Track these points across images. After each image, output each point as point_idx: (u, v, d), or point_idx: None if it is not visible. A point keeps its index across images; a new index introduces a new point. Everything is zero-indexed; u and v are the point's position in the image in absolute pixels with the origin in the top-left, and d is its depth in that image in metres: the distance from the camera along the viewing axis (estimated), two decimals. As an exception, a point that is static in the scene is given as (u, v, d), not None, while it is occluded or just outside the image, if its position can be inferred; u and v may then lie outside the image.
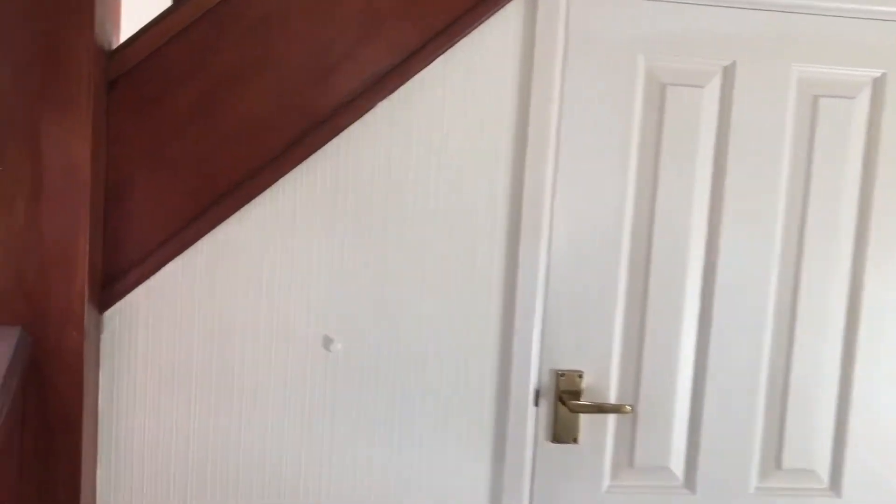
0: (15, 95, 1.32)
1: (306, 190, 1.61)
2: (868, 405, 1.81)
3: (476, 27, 1.61)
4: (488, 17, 1.61)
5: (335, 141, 1.59)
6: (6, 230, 1.34)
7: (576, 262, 1.70)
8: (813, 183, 1.75)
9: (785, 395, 1.79)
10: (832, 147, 1.75)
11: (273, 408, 1.65)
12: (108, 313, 1.57)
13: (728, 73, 1.71)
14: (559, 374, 1.72)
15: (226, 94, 1.55)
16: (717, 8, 1.68)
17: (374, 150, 1.62)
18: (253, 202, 1.59)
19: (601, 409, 1.72)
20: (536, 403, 1.72)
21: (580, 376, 1.72)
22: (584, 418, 1.73)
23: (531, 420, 1.72)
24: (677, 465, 1.79)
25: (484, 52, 1.63)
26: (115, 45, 1.54)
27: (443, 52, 1.60)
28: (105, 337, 1.58)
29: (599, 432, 1.75)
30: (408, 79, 1.59)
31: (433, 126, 1.63)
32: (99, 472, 1.61)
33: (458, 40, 1.60)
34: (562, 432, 1.73)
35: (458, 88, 1.63)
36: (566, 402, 1.70)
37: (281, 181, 1.59)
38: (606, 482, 1.77)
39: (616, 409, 1.72)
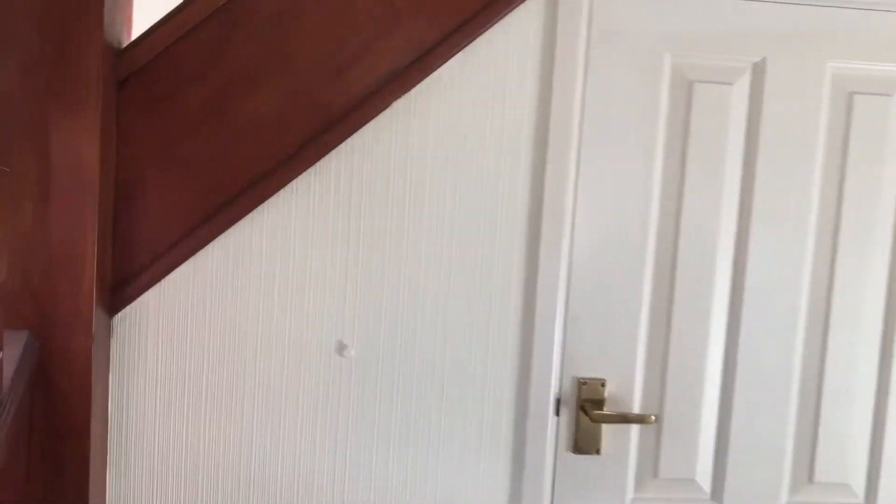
0: (22, 95, 1.32)
1: (320, 191, 1.59)
2: (906, 416, 1.76)
3: (496, 23, 1.58)
4: (508, 13, 1.58)
5: (350, 140, 1.58)
6: (13, 231, 1.34)
7: (599, 266, 1.68)
8: (847, 183, 1.71)
9: (818, 404, 1.76)
10: (868, 145, 1.71)
11: (286, 414, 1.64)
12: (118, 317, 1.57)
13: (758, 70, 1.68)
14: (581, 383, 1.69)
15: (238, 92, 1.53)
16: (746, 2, 1.65)
17: (390, 150, 1.60)
18: (266, 203, 1.57)
19: (625, 418, 1.69)
20: (557, 412, 1.70)
21: (603, 385, 1.69)
22: (606, 428, 1.71)
23: (552, 430, 1.69)
24: (704, 477, 1.75)
25: (504, 48, 1.60)
26: (125, 44, 1.53)
27: (461, 49, 1.58)
28: (115, 341, 1.58)
29: (623, 443, 1.72)
30: (425, 77, 1.57)
31: (451, 126, 1.61)
32: (109, 478, 1.60)
33: (477, 37, 1.58)
34: (583, 442, 1.70)
35: (477, 86, 1.61)
36: (588, 412, 1.68)
37: (294, 182, 1.57)
38: (630, 494, 1.74)
39: (640, 420, 1.69)
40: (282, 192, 1.57)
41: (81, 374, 1.39)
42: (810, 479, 1.77)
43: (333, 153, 1.57)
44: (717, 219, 1.69)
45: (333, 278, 1.62)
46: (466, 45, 1.58)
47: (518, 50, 1.60)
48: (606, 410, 1.68)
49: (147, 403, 1.60)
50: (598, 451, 1.70)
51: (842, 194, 1.71)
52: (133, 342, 1.58)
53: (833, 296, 1.73)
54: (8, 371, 1.28)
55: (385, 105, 1.56)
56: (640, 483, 1.74)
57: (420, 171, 1.61)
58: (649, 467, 1.73)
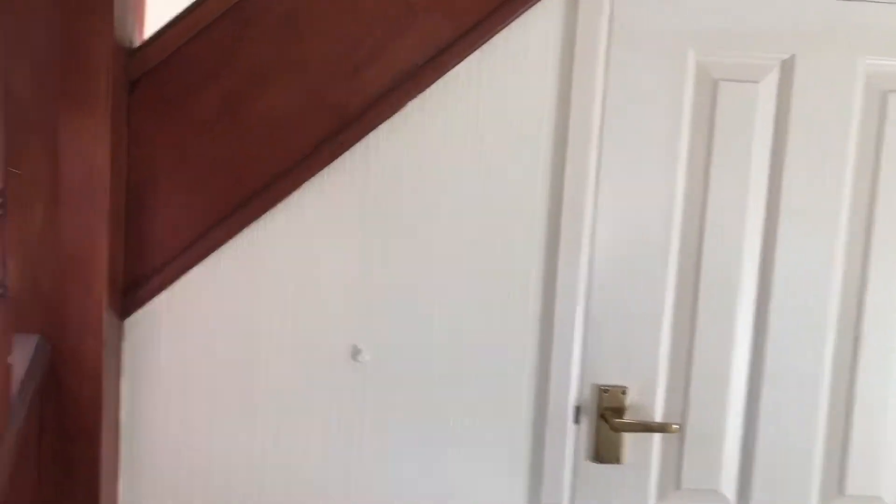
0: (32, 96, 1.32)
1: (335, 192, 1.59)
2: (942, 426, 1.73)
3: (514, 20, 1.57)
4: (527, 10, 1.56)
5: (364, 141, 1.57)
6: (24, 235, 1.34)
7: (620, 270, 1.66)
8: (881, 183, 1.68)
9: (849, 413, 1.72)
10: (903, 145, 1.67)
11: (299, 419, 1.63)
12: (129, 321, 1.57)
13: (786, 68, 1.64)
14: (602, 390, 1.67)
15: (251, 92, 1.53)
16: (774, -3, 1.62)
17: (405, 151, 1.59)
18: (279, 205, 1.57)
19: (647, 427, 1.67)
20: (577, 421, 1.68)
21: (624, 392, 1.67)
22: (627, 437, 1.68)
23: (571, 438, 1.68)
24: (728, 487, 1.73)
25: (522, 46, 1.58)
26: (138, 44, 1.53)
27: (478, 47, 1.56)
28: (126, 345, 1.58)
29: (644, 452, 1.70)
30: (441, 75, 1.56)
31: (468, 126, 1.59)
32: (120, 485, 1.61)
33: (495, 34, 1.56)
34: (604, 452, 1.68)
35: (495, 85, 1.59)
36: (609, 420, 1.66)
37: (308, 183, 1.57)
38: (652, 505, 1.73)
39: (663, 428, 1.67)
40: (295, 194, 1.57)
41: (92, 379, 1.40)
42: (841, 491, 1.74)
43: (348, 154, 1.56)
44: (743, 221, 1.66)
45: (348, 281, 1.61)
46: (483, 43, 1.56)
47: (537, 48, 1.59)
48: (627, 419, 1.66)
49: (159, 408, 1.60)
50: (618, 461, 1.68)
51: (874, 195, 1.68)
52: (145, 346, 1.58)
53: (865, 299, 1.70)
54: (17, 375, 1.29)
55: (400, 104, 1.55)
56: (662, 494, 1.71)
57: (436, 172, 1.60)
58: (672, 478, 1.71)
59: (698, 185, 1.65)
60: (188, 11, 1.49)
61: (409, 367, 1.64)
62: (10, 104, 1.31)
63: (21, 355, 1.32)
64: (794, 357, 1.69)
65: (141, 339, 1.58)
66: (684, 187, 1.65)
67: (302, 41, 1.53)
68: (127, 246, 1.52)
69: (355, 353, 1.62)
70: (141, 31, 1.64)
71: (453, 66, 1.56)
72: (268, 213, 1.56)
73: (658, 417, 1.69)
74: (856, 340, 1.70)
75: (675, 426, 1.66)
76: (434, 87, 1.56)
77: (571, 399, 1.67)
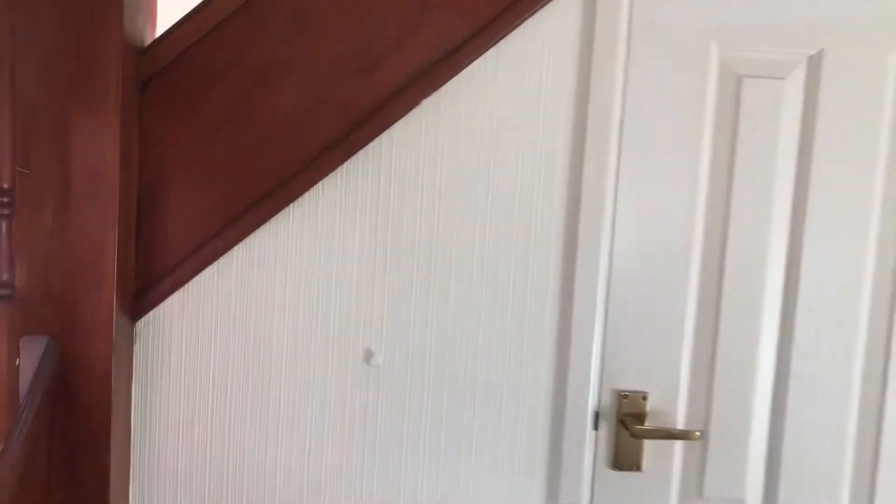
0: (42, 95, 1.32)
1: (347, 193, 1.58)
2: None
3: (530, 16, 1.55)
4: (544, 5, 1.55)
5: (377, 141, 1.56)
6: (33, 236, 1.34)
7: (640, 271, 1.64)
8: (914, 185, 1.65)
9: (879, 423, 1.70)
10: (937, 144, 1.64)
11: (312, 424, 1.63)
12: (140, 323, 1.57)
13: (814, 63, 1.62)
14: (622, 396, 1.66)
15: (263, 92, 1.52)
16: (801, -10, 1.59)
17: (419, 151, 1.58)
18: (291, 206, 1.56)
19: (668, 434, 1.66)
20: (596, 427, 1.67)
21: (644, 398, 1.66)
22: (648, 444, 1.67)
23: (589, 445, 1.66)
24: (753, 497, 1.71)
25: (539, 42, 1.57)
26: (149, 42, 1.53)
27: (494, 44, 1.55)
28: (138, 347, 1.58)
29: (665, 459, 1.68)
30: (455, 73, 1.54)
31: (484, 125, 1.58)
32: (131, 490, 1.61)
33: (511, 31, 1.55)
34: (624, 459, 1.67)
35: (511, 83, 1.57)
36: (629, 426, 1.64)
37: (320, 184, 1.56)
38: (673, 514, 1.71)
39: (684, 436, 1.66)
40: (308, 195, 1.56)
41: (101, 382, 1.40)
42: (871, 501, 1.71)
43: (360, 154, 1.56)
44: (768, 222, 1.64)
45: (361, 283, 1.60)
46: (499, 40, 1.55)
47: (554, 44, 1.57)
48: (648, 425, 1.65)
49: (171, 411, 1.60)
50: (638, 468, 1.67)
51: (908, 197, 1.65)
52: (156, 348, 1.58)
53: (897, 305, 1.66)
54: (26, 377, 1.29)
55: (414, 103, 1.54)
56: (683, 502, 1.70)
57: (451, 172, 1.59)
58: (694, 486, 1.69)
59: (721, 186, 1.63)
60: (198, 9, 1.49)
61: (422, 372, 1.63)
62: (19, 103, 1.32)
63: (29, 357, 1.32)
64: (821, 362, 1.67)
65: (153, 342, 1.58)
66: (707, 188, 1.63)
67: (313, 39, 1.52)
68: (138, 247, 1.52)
69: (368, 356, 1.61)
70: (153, 30, 1.65)
71: (468, 64, 1.54)
72: (280, 213, 1.56)
73: (680, 424, 1.67)
74: (887, 346, 1.68)
75: (697, 433, 1.64)
76: (448, 85, 1.55)
77: (590, 404, 1.65)
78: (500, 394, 1.64)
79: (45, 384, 1.30)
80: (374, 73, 1.53)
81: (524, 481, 1.66)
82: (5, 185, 1.29)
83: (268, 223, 1.56)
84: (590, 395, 1.64)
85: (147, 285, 1.54)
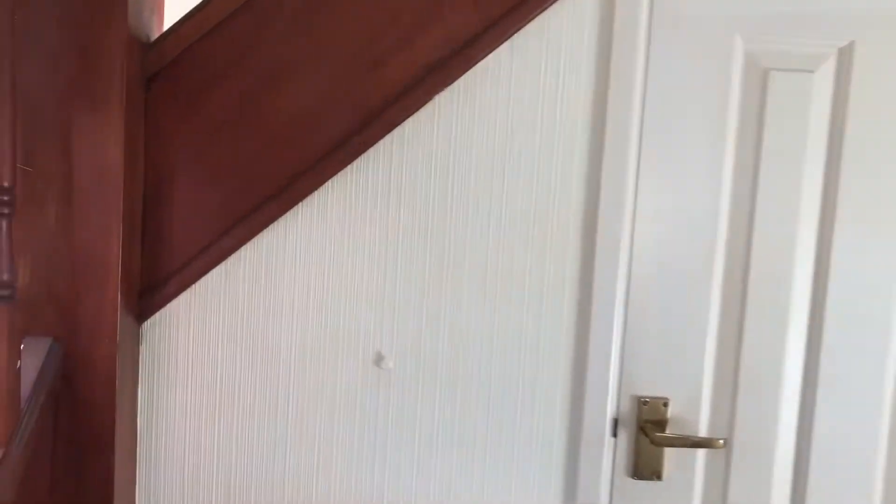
0: (45, 92, 1.32)
1: (357, 192, 1.57)
2: None
3: (547, 8, 1.53)
4: (561, -3, 1.53)
5: (388, 138, 1.55)
6: (36, 235, 1.34)
7: (661, 272, 1.61)
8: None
9: (914, 432, 1.66)
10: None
11: (321, 427, 1.62)
12: (146, 324, 1.56)
13: (844, 56, 1.58)
14: (641, 402, 1.63)
15: (271, 88, 1.51)
16: (831, -21, 1.56)
17: (431, 149, 1.56)
18: (300, 205, 1.56)
19: (690, 442, 1.63)
20: (615, 434, 1.64)
21: (665, 404, 1.63)
22: (669, 452, 1.64)
23: (608, 452, 1.64)
24: (780, 508, 1.67)
25: (556, 35, 1.55)
26: (155, 37, 1.53)
27: (508, 38, 1.53)
28: (144, 348, 1.57)
29: (687, 468, 1.65)
30: (469, 68, 1.53)
31: (498, 121, 1.56)
32: (138, 493, 1.60)
33: (527, 23, 1.53)
34: (643, 467, 1.64)
35: (527, 78, 1.55)
36: (649, 434, 1.61)
37: (330, 182, 1.55)
38: (695, 525, 1.68)
39: (707, 444, 1.63)
40: (317, 193, 1.55)
41: (105, 383, 1.39)
42: (904, 512, 1.67)
43: (371, 151, 1.55)
44: (796, 222, 1.61)
45: (371, 284, 1.59)
46: (515, 33, 1.53)
47: (571, 37, 1.55)
48: (669, 432, 1.62)
49: (177, 414, 1.60)
50: (659, 477, 1.64)
51: (945, 194, 1.61)
52: (163, 350, 1.58)
53: (933, 306, 1.62)
54: (28, 379, 1.29)
55: (426, 99, 1.53)
56: (706, 513, 1.67)
57: (464, 171, 1.57)
58: (717, 497, 1.66)
59: (746, 184, 1.60)
60: (205, 3, 1.48)
61: (434, 376, 1.61)
62: (21, 100, 1.32)
63: (32, 359, 1.32)
64: (851, 367, 1.63)
65: (159, 344, 1.58)
66: (731, 186, 1.60)
67: (321, 35, 1.50)
68: (144, 247, 1.52)
69: (379, 359, 1.60)
70: (160, 25, 1.64)
71: (482, 58, 1.53)
72: (289, 213, 1.55)
73: (702, 431, 1.64)
74: (922, 350, 1.63)
75: (721, 441, 1.61)
76: (461, 80, 1.53)
77: (609, 411, 1.63)
78: (514, 399, 1.62)
79: (48, 386, 1.30)
80: (384, 69, 1.51)
81: (540, 490, 1.64)
82: (5, 184, 1.30)
83: (276, 223, 1.56)
84: (608, 400, 1.62)
85: (153, 286, 1.54)
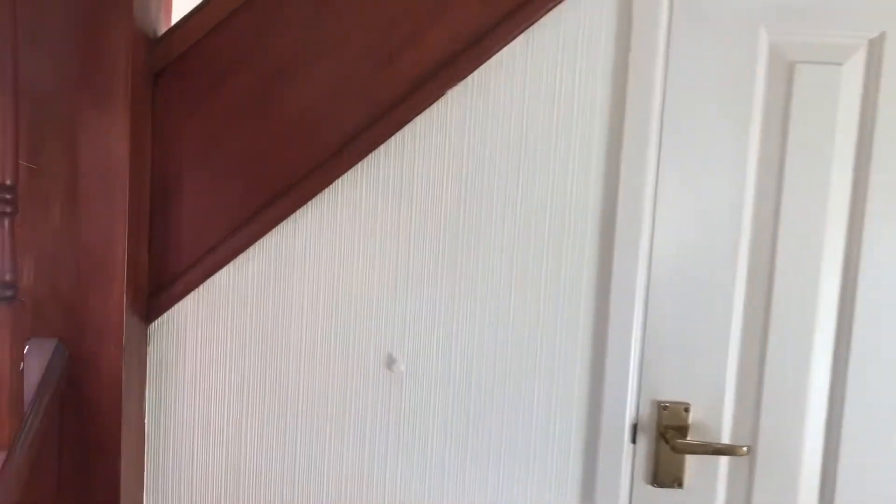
0: (49, 87, 1.32)
1: (368, 190, 1.56)
2: None
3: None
4: (578, -11, 1.51)
5: (399, 135, 1.54)
6: (40, 234, 1.34)
7: (682, 272, 1.60)
8: None
9: (947, 440, 1.62)
10: None
11: (331, 430, 1.62)
12: (154, 325, 1.56)
13: (875, 47, 1.56)
14: (662, 407, 1.61)
15: (280, 84, 1.51)
16: (860, -32, 1.54)
17: (444, 144, 1.55)
18: (310, 203, 1.55)
19: (712, 449, 1.62)
20: (634, 440, 1.63)
21: (687, 410, 1.61)
22: (690, 459, 1.63)
23: (627, 459, 1.63)
24: (806, 518, 1.65)
25: (573, 27, 1.53)
26: (162, 32, 1.52)
27: (524, 30, 1.52)
28: (151, 350, 1.57)
29: (709, 475, 1.64)
30: (483, 62, 1.52)
31: (513, 116, 1.55)
32: (145, 496, 1.61)
33: (542, 15, 1.52)
34: (664, 474, 1.63)
35: (543, 72, 1.54)
36: (669, 440, 1.60)
37: (340, 180, 1.55)
38: (717, 535, 1.66)
39: (730, 451, 1.61)
40: (327, 191, 1.55)
41: (111, 385, 1.39)
42: (936, 524, 1.64)
43: (382, 148, 1.54)
44: (823, 222, 1.59)
45: (383, 285, 1.58)
46: (530, 25, 1.51)
47: (589, 30, 1.53)
48: (690, 439, 1.61)
49: (185, 416, 1.60)
50: (679, 485, 1.63)
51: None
52: (170, 351, 1.58)
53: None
54: (33, 381, 1.28)
55: (439, 94, 1.52)
56: (729, 522, 1.65)
57: (478, 167, 1.56)
58: (740, 505, 1.64)
59: (771, 181, 1.58)
60: (212, -2, 1.48)
61: (447, 380, 1.60)
62: (27, 96, 1.32)
63: (37, 361, 1.32)
64: (881, 372, 1.61)
65: (166, 345, 1.58)
66: (755, 183, 1.59)
67: (331, 29, 1.50)
68: (151, 247, 1.52)
69: (390, 362, 1.59)
70: (168, 19, 1.64)
71: (496, 52, 1.52)
72: (298, 211, 1.55)
73: (725, 438, 1.63)
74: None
75: (744, 448, 1.60)
76: (475, 75, 1.53)
77: (628, 416, 1.62)
78: (529, 403, 1.61)
79: (53, 388, 1.30)
80: (396, 64, 1.50)
81: (556, 497, 1.63)
82: (8, 182, 1.29)
83: (285, 221, 1.55)
84: (627, 405, 1.61)
85: (160, 286, 1.54)
